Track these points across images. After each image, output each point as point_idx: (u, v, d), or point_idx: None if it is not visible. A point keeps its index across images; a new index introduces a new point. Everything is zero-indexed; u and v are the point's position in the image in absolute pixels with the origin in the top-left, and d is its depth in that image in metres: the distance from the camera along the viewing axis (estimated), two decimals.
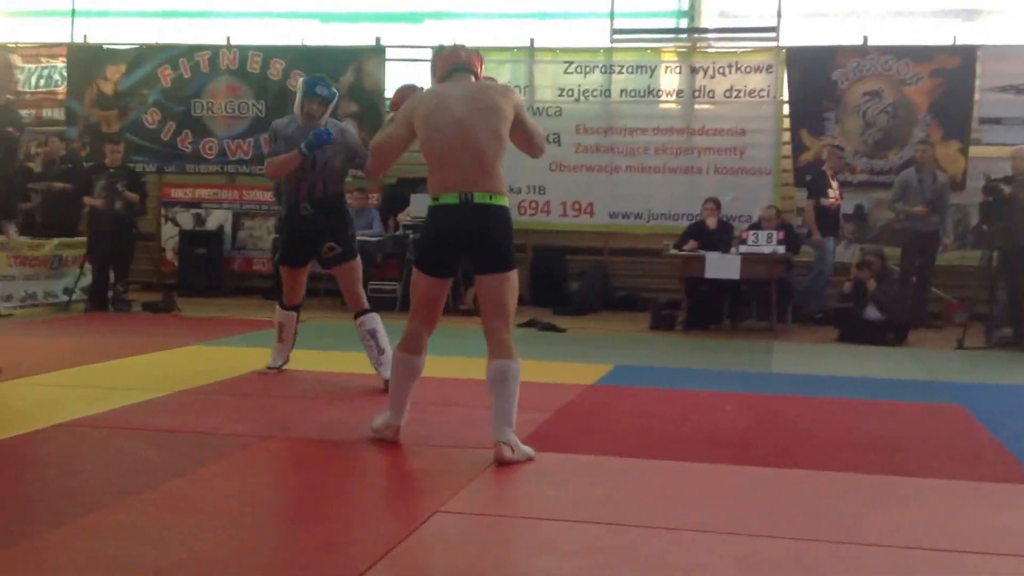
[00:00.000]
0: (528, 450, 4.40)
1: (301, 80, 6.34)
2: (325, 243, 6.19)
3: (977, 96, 11.30)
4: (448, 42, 5.68)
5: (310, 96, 6.16)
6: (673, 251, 10.09)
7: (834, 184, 10.72)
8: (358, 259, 6.35)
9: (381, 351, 6.08)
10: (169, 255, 13.11)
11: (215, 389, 6.07)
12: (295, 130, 6.19)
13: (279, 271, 6.65)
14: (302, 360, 7.21)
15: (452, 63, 4.63)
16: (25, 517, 3.48)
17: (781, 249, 9.72)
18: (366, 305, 6.26)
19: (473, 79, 4.63)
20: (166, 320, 9.97)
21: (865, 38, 11.67)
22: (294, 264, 6.43)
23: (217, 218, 13.16)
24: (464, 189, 4.36)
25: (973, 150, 11.27)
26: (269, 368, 6.57)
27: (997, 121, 11.23)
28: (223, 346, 8.08)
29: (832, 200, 10.61)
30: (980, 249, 9.91)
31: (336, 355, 7.56)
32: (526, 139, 4.62)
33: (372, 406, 5.62)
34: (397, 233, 11.56)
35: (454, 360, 6.57)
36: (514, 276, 4.44)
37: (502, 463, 4.22)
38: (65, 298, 10.50)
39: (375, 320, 6.20)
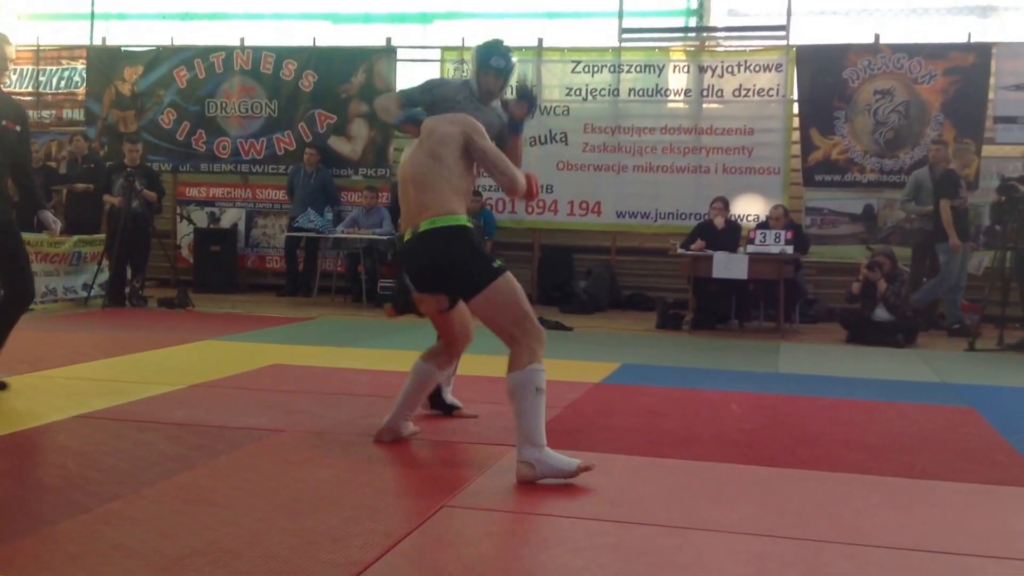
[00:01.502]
0: (565, 464, 4.00)
1: (474, 50, 5.36)
2: None
3: (991, 95, 11.24)
4: (465, 41, 5.33)
5: (484, 70, 5.23)
6: (680, 250, 10.11)
7: (962, 183, 10.23)
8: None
9: (454, 372, 5.38)
10: (184, 252, 13.26)
11: (228, 383, 6.17)
12: (464, 99, 5.26)
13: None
14: (314, 356, 7.31)
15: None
16: (44, 506, 3.57)
17: (789, 249, 9.74)
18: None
19: None
20: (181, 316, 10.08)
21: (877, 36, 11.65)
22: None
23: (231, 216, 13.29)
24: (413, 224, 4.29)
25: (986, 149, 11.23)
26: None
27: (1012, 120, 11.18)
28: (236, 341, 8.18)
29: (961, 200, 10.09)
30: (993, 250, 9.88)
31: (348, 351, 7.64)
32: (487, 170, 4.41)
33: (383, 402, 5.70)
34: None
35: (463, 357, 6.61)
36: (493, 287, 4.12)
37: (522, 482, 3.99)
38: (84, 294, 10.65)
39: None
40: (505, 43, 5.35)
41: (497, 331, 4.17)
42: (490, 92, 5.28)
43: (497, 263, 4.25)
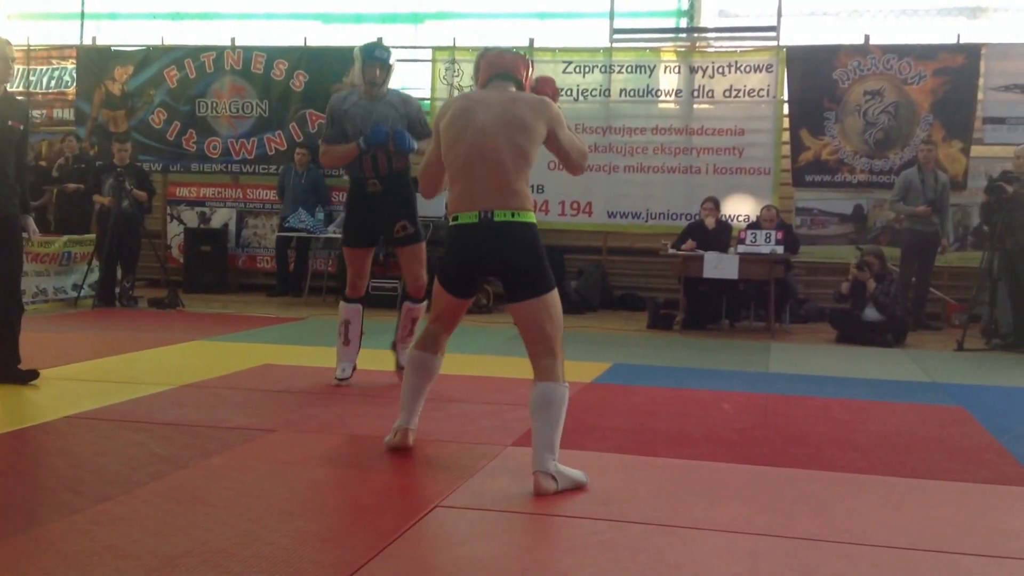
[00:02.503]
0: (576, 475, 4.01)
1: (357, 49, 6.08)
2: (395, 222, 5.94)
3: (981, 95, 11.26)
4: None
5: (370, 62, 5.94)
6: (671, 251, 10.12)
7: None
8: (423, 242, 6.12)
9: (411, 333, 6.05)
10: (175, 252, 13.23)
11: (218, 383, 6.16)
12: (352, 105, 5.99)
13: (342, 259, 6.26)
14: (305, 356, 7.31)
15: (495, 68, 4.32)
16: (36, 506, 3.57)
17: (780, 249, 9.75)
18: (423, 294, 5.91)
19: (514, 88, 4.29)
20: (171, 316, 10.06)
21: (867, 37, 11.67)
22: (359, 244, 6.07)
23: (222, 216, 13.26)
24: (484, 207, 4.04)
25: (974, 150, 11.26)
26: (339, 380, 6.14)
27: (1001, 121, 11.21)
28: (226, 342, 8.17)
29: None
30: (981, 250, 9.89)
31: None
32: (562, 157, 4.31)
33: (373, 401, 5.71)
34: None
35: (455, 357, 6.61)
36: (551, 298, 4.04)
37: (542, 495, 3.87)
38: (74, 294, 10.63)
39: (423, 311, 5.96)
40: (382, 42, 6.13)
41: (539, 338, 4.03)
42: (373, 83, 5.94)
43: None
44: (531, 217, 4.11)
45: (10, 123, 5.92)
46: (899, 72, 11.44)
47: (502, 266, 4.09)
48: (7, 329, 5.96)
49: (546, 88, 4.57)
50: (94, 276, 10.72)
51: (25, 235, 6.38)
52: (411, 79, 12.85)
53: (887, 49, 11.53)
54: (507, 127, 4.08)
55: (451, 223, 4.18)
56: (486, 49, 4.47)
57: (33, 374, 5.95)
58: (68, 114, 13.67)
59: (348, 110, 5.97)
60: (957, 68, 11.28)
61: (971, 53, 11.30)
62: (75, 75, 13.57)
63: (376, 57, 5.93)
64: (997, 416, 5.86)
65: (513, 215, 4.04)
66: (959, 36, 11.53)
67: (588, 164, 4.48)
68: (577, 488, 3.99)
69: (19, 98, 7.58)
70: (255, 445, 4.60)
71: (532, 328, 4.05)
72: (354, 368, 6.24)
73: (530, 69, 4.47)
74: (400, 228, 5.98)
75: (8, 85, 6.25)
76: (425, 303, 5.85)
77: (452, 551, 3.35)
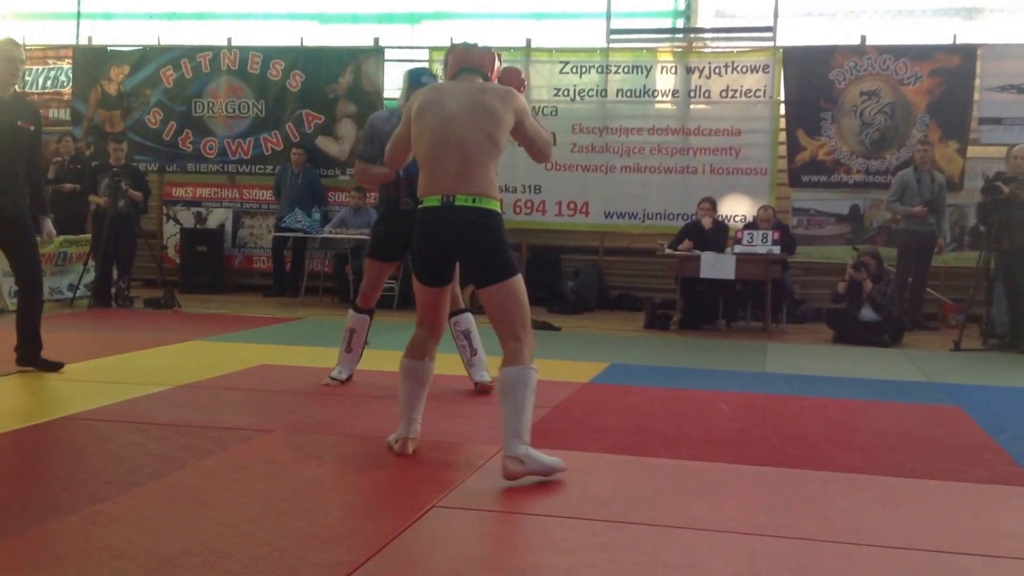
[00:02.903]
0: (549, 460, 4.07)
1: (405, 72, 6.14)
2: None
3: (977, 96, 11.29)
4: (453, 41, 5.72)
5: (416, 87, 5.82)
6: (668, 251, 10.13)
7: None
8: None
9: (474, 352, 6.04)
10: (171, 253, 13.22)
11: (215, 383, 6.15)
12: (392, 127, 5.90)
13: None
14: (302, 356, 7.31)
15: (462, 62, 4.45)
16: (32, 507, 3.55)
17: (776, 249, 9.76)
18: (461, 305, 5.99)
19: (481, 80, 4.41)
20: (168, 316, 10.05)
21: (863, 37, 11.71)
22: (385, 258, 6.07)
23: (218, 216, 13.27)
24: (446, 191, 4.12)
25: (971, 150, 11.29)
26: (332, 379, 6.21)
27: (997, 121, 11.24)
28: (223, 342, 8.16)
29: None
30: (977, 250, 9.91)
31: (335, 352, 7.60)
32: (527, 145, 4.42)
33: (370, 401, 5.71)
34: None
35: (453, 357, 6.61)
36: (513, 283, 4.16)
37: (510, 479, 3.98)
38: (70, 294, 10.62)
39: (470, 320, 6.04)
40: (432, 70, 6.11)
41: (503, 325, 4.15)
42: None
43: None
44: (493, 205, 4.19)
45: (20, 124, 5.96)
46: (895, 73, 11.45)
47: (463, 251, 4.19)
48: (29, 317, 6.13)
49: (513, 79, 4.64)
50: (90, 276, 10.73)
51: (40, 238, 6.44)
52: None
53: (883, 50, 11.54)
54: (475, 115, 4.19)
55: (419, 207, 4.28)
56: (454, 45, 4.64)
57: (58, 365, 6.14)
58: (64, 114, 13.68)
59: (389, 132, 5.86)
60: (953, 69, 11.29)
61: (967, 54, 11.31)
62: (71, 75, 13.60)
63: (422, 84, 5.91)
64: (994, 416, 5.87)
65: (474, 200, 4.12)
66: (955, 37, 11.56)
67: (551, 152, 4.59)
68: (551, 472, 4.05)
69: (29, 100, 7.67)
70: (252, 445, 4.59)
71: (496, 313, 4.17)
72: (350, 376, 6.27)
73: (497, 64, 4.60)
74: None
75: (14, 85, 6.30)
76: (471, 315, 6.10)
77: (450, 551, 3.34)
